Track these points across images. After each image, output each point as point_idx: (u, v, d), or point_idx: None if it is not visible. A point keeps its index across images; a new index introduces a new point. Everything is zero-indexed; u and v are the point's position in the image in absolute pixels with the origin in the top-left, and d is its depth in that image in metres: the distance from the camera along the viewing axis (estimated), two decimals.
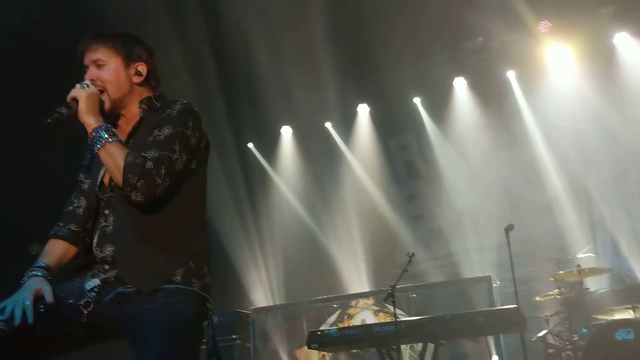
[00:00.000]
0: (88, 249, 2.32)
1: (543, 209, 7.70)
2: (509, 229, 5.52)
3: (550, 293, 6.03)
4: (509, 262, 5.57)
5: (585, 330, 5.63)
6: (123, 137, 2.33)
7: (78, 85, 2.28)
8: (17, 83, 6.37)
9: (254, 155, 9.63)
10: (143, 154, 2.16)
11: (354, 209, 8.80)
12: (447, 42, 8.09)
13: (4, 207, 6.10)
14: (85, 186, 2.47)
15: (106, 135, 2.18)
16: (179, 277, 2.17)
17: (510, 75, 8.15)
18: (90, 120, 2.21)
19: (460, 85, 8.48)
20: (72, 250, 2.44)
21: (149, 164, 2.13)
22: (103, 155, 2.18)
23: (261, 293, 8.77)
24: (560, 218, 7.56)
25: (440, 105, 8.55)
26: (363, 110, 9.13)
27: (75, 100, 2.24)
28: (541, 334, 5.95)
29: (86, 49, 2.37)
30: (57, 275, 2.37)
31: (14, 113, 6.21)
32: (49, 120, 2.20)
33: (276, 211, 9.24)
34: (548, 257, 6.91)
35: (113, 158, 2.15)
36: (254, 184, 9.28)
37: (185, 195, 2.28)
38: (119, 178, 2.14)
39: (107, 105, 2.33)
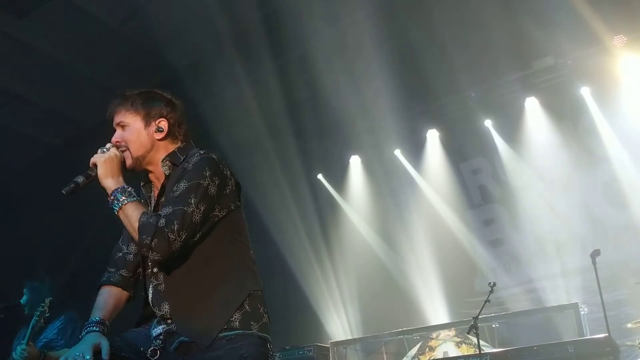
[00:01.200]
0: (146, 302, 2.42)
1: (629, 229, 7.36)
2: (595, 254, 5.32)
3: None
4: (595, 286, 5.38)
5: None
6: (155, 195, 2.47)
7: (99, 151, 2.41)
8: None
9: (324, 186, 9.66)
10: (159, 212, 2.25)
11: (428, 236, 8.66)
12: (516, 62, 7.92)
13: None
14: None
15: (122, 197, 2.28)
16: (237, 323, 2.23)
17: (585, 92, 7.88)
18: (108, 184, 2.33)
19: (532, 105, 8.26)
20: (125, 295, 2.56)
21: (162, 222, 2.18)
22: (122, 216, 2.29)
23: (339, 326, 8.72)
24: None
25: (512, 127, 8.36)
26: (432, 136, 9.02)
27: (95, 165, 2.36)
28: None
29: (113, 113, 2.51)
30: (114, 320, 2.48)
31: None
32: (64, 192, 2.33)
33: (349, 242, 9.20)
34: (638, 280, 6.61)
35: (129, 219, 2.25)
36: (325, 215, 9.29)
37: (222, 241, 2.34)
38: (136, 239, 2.24)
39: (128, 162, 2.43)
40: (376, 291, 8.48)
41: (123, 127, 2.47)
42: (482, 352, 5.58)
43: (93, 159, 2.38)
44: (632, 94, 7.56)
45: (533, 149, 8.21)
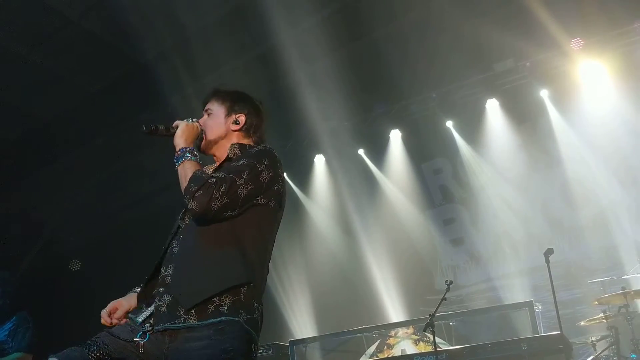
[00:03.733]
0: (150, 277, 2.50)
1: (584, 229, 7.52)
2: (548, 253, 5.40)
3: (596, 317, 5.85)
4: (551, 284, 5.44)
5: (634, 356, 5.44)
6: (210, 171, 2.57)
7: (185, 119, 2.63)
8: None
9: (288, 185, 9.65)
10: (212, 174, 2.40)
11: (389, 234, 8.73)
12: (477, 64, 8.03)
13: None
14: None
15: (189, 155, 2.48)
16: (225, 308, 2.24)
17: (544, 94, 8.04)
18: (180, 142, 2.53)
19: (492, 107, 8.39)
20: None
21: (212, 180, 2.32)
22: (180, 169, 2.46)
23: (299, 324, 8.72)
24: (603, 238, 7.37)
25: (473, 128, 8.48)
26: (395, 136, 9.09)
27: (177, 127, 2.58)
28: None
29: (206, 101, 2.77)
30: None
31: None
32: (144, 128, 2.56)
33: (310, 239, 9.22)
34: (592, 279, 6.75)
35: (185, 171, 2.42)
36: (287, 213, 9.24)
37: (248, 226, 2.39)
38: (184, 187, 2.37)
39: (203, 143, 2.66)
40: (336, 289, 8.51)
41: (209, 114, 2.72)
42: (438, 349, 5.62)
43: (178, 122, 2.60)
44: (589, 97, 7.72)
45: (493, 150, 8.34)
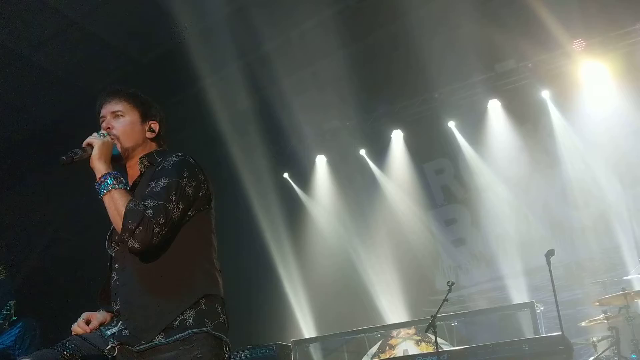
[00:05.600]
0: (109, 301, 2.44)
1: (586, 230, 7.53)
2: (549, 254, 5.40)
3: (597, 318, 5.86)
4: (552, 285, 5.45)
5: (634, 356, 5.46)
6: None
7: (95, 134, 2.40)
8: None
9: (290, 185, 9.68)
10: (143, 202, 2.22)
11: (391, 235, 8.75)
12: (479, 64, 8.05)
13: None
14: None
15: (113, 182, 2.27)
16: (190, 321, 2.22)
17: (545, 95, 8.04)
18: (100, 166, 2.31)
19: (494, 107, 8.40)
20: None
21: (149, 212, 2.18)
22: (107, 200, 2.27)
23: (301, 325, 8.73)
24: (604, 239, 7.38)
25: (474, 128, 8.48)
26: (397, 136, 9.10)
27: (90, 145, 2.35)
28: None
29: (106, 101, 2.53)
30: None
31: None
32: (64, 158, 2.32)
33: (313, 240, 9.23)
34: (594, 280, 6.76)
35: (115, 203, 2.23)
36: (290, 214, 9.31)
37: (186, 242, 2.32)
38: (119, 223, 2.21)
39: (118, 154, 2.46)
40: (339, 290, 8.52)
41: (118, 116, 2.49)
42: (440, 350, 5.64)
43: (90, 139, 2.37)
44: (590, 98, 7.72)
45: (495, 150, 8.34)
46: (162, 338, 2.19)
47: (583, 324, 6.06)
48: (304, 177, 9.63)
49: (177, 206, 2.25)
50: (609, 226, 7.39)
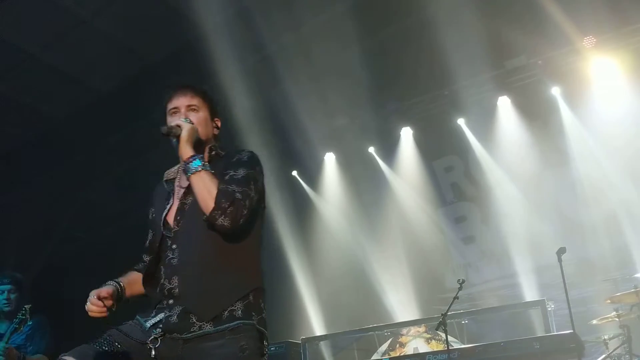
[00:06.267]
0: (155, 284, 2.47)
1: (597, 227, 7.48)
2: (560, 252, 5.39)
3: (608, 315, 5.83)
4: (563, 283, 5.43)
5: None
6: (181, 184, 2.58)
7: (183, 119, 2.55)
8: None
9: (299, 183, 9.68)
10: (230, 187, 2.36)
11: (400, 233, 8.73)
12: (489, 61, 8.00)
13: None
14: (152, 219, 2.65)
15: (201, 164, 2.41)
16: (239, 312, 2.33)
17: (556, 91, 8.00)
18: (188, 148, 2.46)
19: (504, 104, 8.36)
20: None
21: (238, 195, 2.34)
22: (196, 180, 2.39)
23: (311, 322, 8.73)
24: (616, 236, 7.32)
25: (484, 125, 8.45)
26: (406, 134, 9.08)
27: (179, 127, 2.50)
28: (600, 358, 5.75)
29: (181, 94, 2.65)
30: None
31: None
32: (166, 127, 2.52)
33: (322, 238, 9.23)
34: (605, 277, 6.72)
35: (206, 184, 2.37)
36: (299, 212, 9.31)
37: (249, 233, 2.45)
38: (209, 202, 2.33)
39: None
40: (348, 287, 8.53)
41: (193, 110, 2.63)
42: (450, 348, 5.63)
43: (180, 122, 2.51)
44: (601, 94, 7.68)
45: (504, 148, 8.30)
46: (211, 327, 2.29)
47: (594, 322, 6.02)
48: (313, 175, 9.63)
49: (255, 196, 2.42)
50: (620, 223, 7.33)
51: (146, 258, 2.64)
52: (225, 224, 2.30)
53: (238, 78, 8.19)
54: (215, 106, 2.72)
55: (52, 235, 9.40)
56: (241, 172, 2.43)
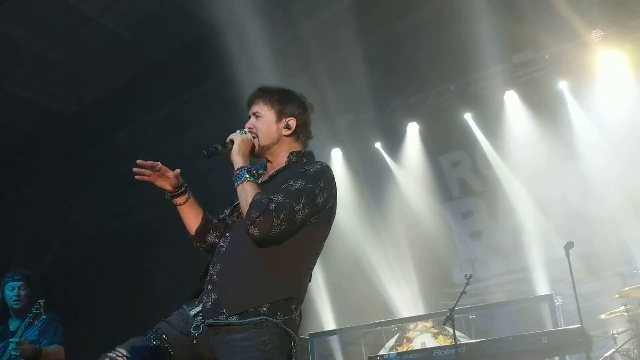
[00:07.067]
0: (204, 273, 2.59)
1: (605, 221, 7.45)
2: (568, 246, 5.37)
3: (617, 310, 5.81)
4: (571, 277, 5.41)
5: None
6: (265, 178, 2.71)
7: (237, 131, 2.67)
8: None
9: None
10: (271, 197, 2.44)
11: (407, 228, 8.72)
12: (495, 55, 7.95)
13: None
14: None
15: (246, 175, 2.53)
16: (265, 309, 2.37)
17: (563, 85, 7.96)
18: (238, 160, 2.59)
19: (511, 99, 8.33)
20: (200, 220, 2.82)
21: (272, 206, 2.39)
22: (240, 190, 2.52)
23: (319, 317, 8.73)
24: (624, 231, 7.29)
25: (491, 120, 8.42)
26: (412, 129, 9.06)
27: (232, 142, 2.63)
28: (608, 353, 5.74)
29: (251, 102, 2.78)
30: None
31: None
32: (205, 152, 2.61)
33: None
34: (613, 272, 6.70)
35: (245, 194, 2.48)
36: None
37: (297, 244, 2.48)
38: (245, 211, 2.45)
39: (256, 149, 2.71)
40: (355, 282, 8.52)
41: (257, 117, 2.72)
42: (458, 342, 5.63)
43: (232, 136, 2.64)
44: (608, 88, 7.63)
45: (512, 142, 8.27)
46: (236, 319, 2.36)
47: (602, 316, 6.01)
48: None
49: (303, 209, 2.45)
50: (628, 218, 7.30)
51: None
52: (254, 233, 2.37)
53: (244, 74, 8.19)
54: (284, 106, 2.72)
55: (60, 232, 9.44)
56: (298, 184, 2.48)
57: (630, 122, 7.39)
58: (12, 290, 4.84)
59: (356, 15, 7.40)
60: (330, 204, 2.60)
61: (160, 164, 2.69)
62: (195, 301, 2.55)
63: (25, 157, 8.93)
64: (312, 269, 2.63)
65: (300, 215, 2.43)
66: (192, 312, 2.51)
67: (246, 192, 2.47)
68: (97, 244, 9.82)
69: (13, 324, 4.79)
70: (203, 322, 2.44)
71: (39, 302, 4.62)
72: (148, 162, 2.67)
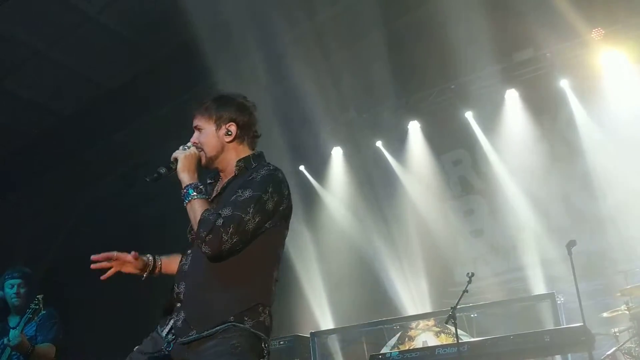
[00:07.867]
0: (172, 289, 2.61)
1: (606, 220, 7.44)
2: (570, 245, 5.35)
3: (619, 308, 5.80)
4: (572, 275, 5.40)
5: None
6: (218, 188, 2.70)
7: (180, 147, 2.64)
8: None
9: (306, 178, 9.67)
10: (219, 212, 2.43)
11: (409, 226, 8.71)
12: (496, 53, 7.95)
13: None
14: None
15: (194, 193, 2.51)
16: (232, 317, 2.40)
17: (564, 84, 7.94)
18: (184, 177, 2.57)
19: (512, 97, 8.31)
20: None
21: (220, 222, 2.38)
22: (188, 209, 2.52)
23: (319, 316, 8.73)
24: (626, 229, 7.28)
25: (492, 118, 8.40)
26: (414, 127, 9.05)
27: (176, 160, 2.60)
28: (610, 351, 5.74)
29: (193, 117, 2.75)
30: None
31: None
32: (148, 180, 2.59)
33: (330, 232, 9.22)
34: (615, 270, 6.69)
35: (194, 212, 2.48)
36: (306, 206, 9.29)
37: (255, 252, 2.47)
38: (195, 230, 2.45)
39: (203, 161, 2.68)
40: (357, 281, 8.51)
41: (199, 130, 2.70)
42: (460, 341, 5.62)
43: (175, 154, 2.61)
44: (610, 86, 7.62)
45: (513, 141, 8.26)
46: (205, 333, 2.39)
47: (604, 314, 6.01)
48: (320, 170, 9.62)
49: (253, 218, 2.42)
50: (630, 216, 7.29)
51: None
52: (206, 251, 2.39)
53: (246, 73, 8.18)
54: (221, 113, 2.68)
55: (60, 231, 9.43)
56: (246, 194, 2.46)
57: (631, 120, 7.37)
58: (12, 288, 4.85)
59: (356, 16, 7.41)
60: (283, 206, 2.56)
61: (117, 253, 2.70)
62: (167, 319, 2.56)
63: (25, 157, 8.93)
64: (277, 270, 2.60)
65: (250, 225, 2.41)
66: (164, 332, 2.53)
67: (195, 211, 2.47)
68: (97, 244, 9.81)
69: (13, 321, 4.81)
70: (174, 340, 2.47)
71: (37, 298, 4.64)
72: (101, 254, 2.68)
